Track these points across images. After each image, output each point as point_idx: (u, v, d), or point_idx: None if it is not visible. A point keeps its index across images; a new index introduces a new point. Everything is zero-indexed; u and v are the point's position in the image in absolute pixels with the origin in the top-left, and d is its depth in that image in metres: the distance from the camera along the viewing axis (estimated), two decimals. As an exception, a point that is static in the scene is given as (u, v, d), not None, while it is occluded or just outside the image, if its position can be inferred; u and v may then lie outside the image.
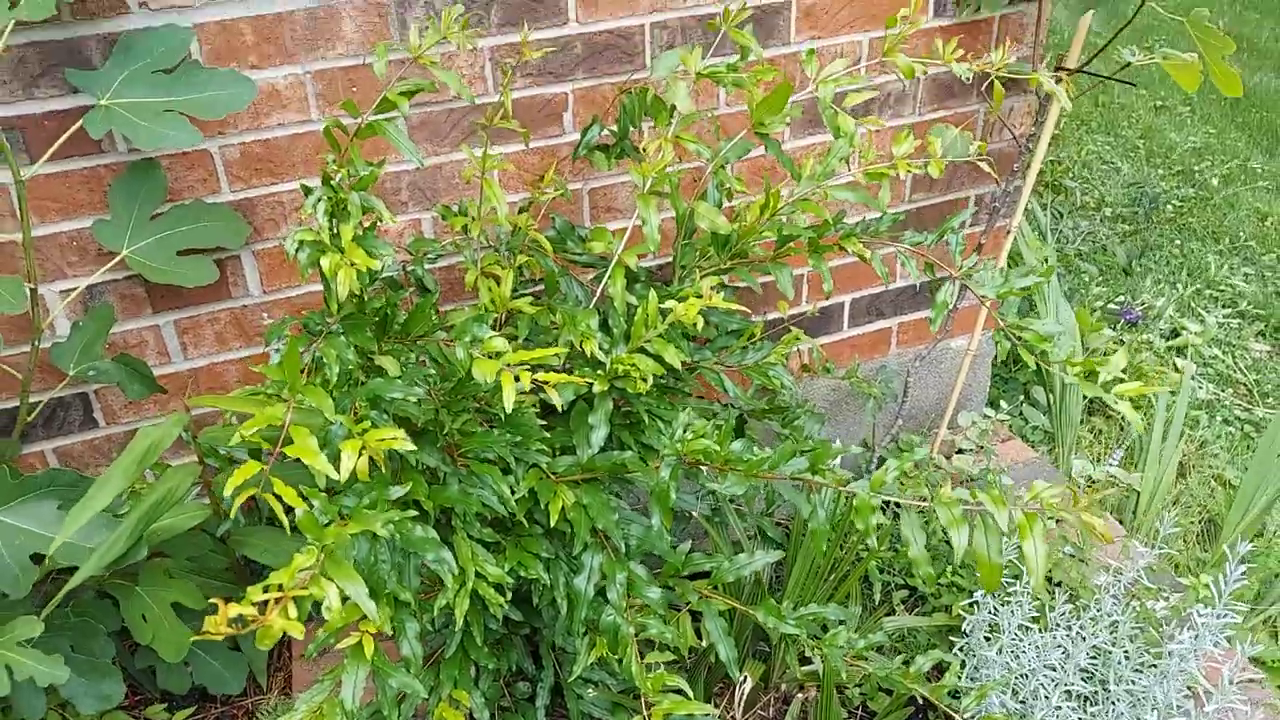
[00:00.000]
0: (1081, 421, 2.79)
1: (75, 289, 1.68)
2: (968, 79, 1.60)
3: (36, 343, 1.59)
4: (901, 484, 1.19)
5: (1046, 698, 1.63)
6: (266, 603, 0.98)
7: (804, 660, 1.99)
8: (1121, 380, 1.45)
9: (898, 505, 1.27)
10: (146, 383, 1.71)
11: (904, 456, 1.22)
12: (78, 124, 1.50)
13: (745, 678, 1.80)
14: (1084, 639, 1.71)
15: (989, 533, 1.11)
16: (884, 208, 1.56)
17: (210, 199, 1.71)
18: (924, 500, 1.17)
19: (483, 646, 1.61)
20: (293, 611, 0.97)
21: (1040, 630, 1.72)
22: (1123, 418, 2.82)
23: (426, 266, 1.83)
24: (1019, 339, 1.58)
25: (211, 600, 0.95)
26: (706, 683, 1.90)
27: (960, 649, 1.81)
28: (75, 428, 1.80)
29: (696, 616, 1.65)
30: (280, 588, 1.00)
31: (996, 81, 1.66)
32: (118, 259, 1.62)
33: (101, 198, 1.64)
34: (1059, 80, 2.07)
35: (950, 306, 1.59)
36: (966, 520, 1.12)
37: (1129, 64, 1.96)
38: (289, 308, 1.86)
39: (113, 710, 1.68)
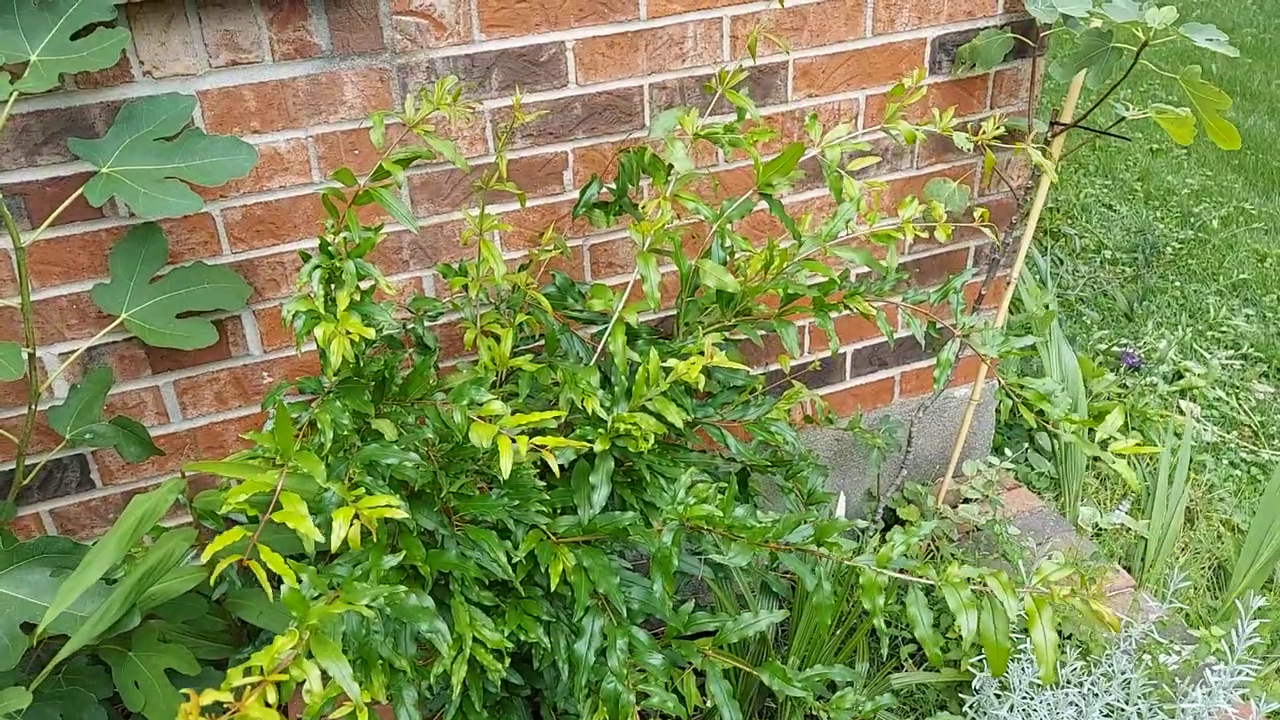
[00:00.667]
0: (1087, 468, 2.77)
1: (74, 352, 1.68)
2: (967, 149, 1.61)
3: (33, 406, 1.58)
4: (906, 554, 1.17)
5: (1058, 759, 1.61)
6: (243, 688, 0.96)
7: (810, 719, 1.96)
8: (1117, 439, 1.44)
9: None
10: (144, 445, 1.70)
11: (910, 530, 1.21)
12: (79, 191, 1.51)
13: (750, 739, 1.78)
14: (1096, 695, 1.68)
15: (997, 617, 1.09)
16: (891, 270, 1.56)
17: (211, 261, 1.71)
18: (930, 580, 1.16)
19: (482, 711, 1.59)
20: (272, 697, 0.95)
21: (1051, 688, 1.69)
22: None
23: (427, 324, 1.83)
24: (1019, 397, 1.57)
25: (183, 690, 0.93)
26: (712, 743, 1.87)
27: (971, 706, 1.78)
28: (72, 489, 1.79)
29: (700, 674, 1.63)
30: (261, 671, 0.98)
31: (988, 150, 1.66)
32: (116, 322, 1.62)
33: (102, 261, 1.65)
34: (1053, 137, 2.08)
35: (953, 363, 1.58)
36: (975, 604, 1.10)
37: (1123, 119, 1.97)
38: (290, 367, 1.86)
39: (103, 781, 1.64)
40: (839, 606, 1.79)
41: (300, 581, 1.07)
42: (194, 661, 1.66)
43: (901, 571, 1.18)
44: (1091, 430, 1.48)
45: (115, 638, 1.58)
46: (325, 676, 1.02)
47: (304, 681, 1.01)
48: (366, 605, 1.09)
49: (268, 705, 0.97)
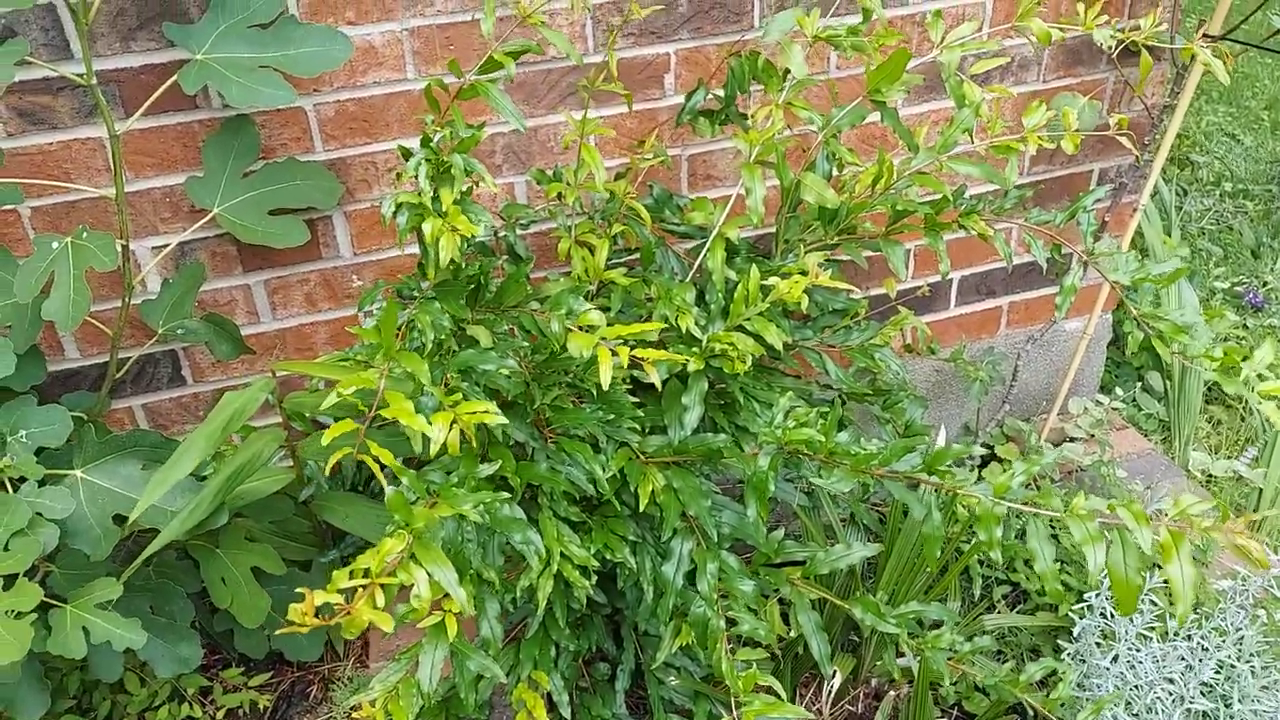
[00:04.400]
0: (1201, 410, 2.62)
1: (167, 245, 1.66)
2: (1110, 48, 1.46)
3: (127, 299, 1.58)
4: (1026, 485, 1.09)
5: (1163, 713, 1.52)
6: (352, 590, 0.93)
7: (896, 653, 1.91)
8: (1268, 377, 1.33)
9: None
10: (235, 344, 1.69)
11: (1030, 460, 1.12)
12: (173, 79, 1.47)
13: (835, 672, 1.73)
14: (1207, 650, 1.59)
15: (1128, 551, 1.01)
16: (1010, 184, 1.45)
17: (303, 157, 1.67)
18: (1054, 512, 1.08)
19: (564, 627, 1.57)
20: (379, 600, 0.93)
21: (1158, 639, 1.61)
22: (1244, 407, 2.64)
23: (519, 232, 1.77)
24: (1154, 330, 1.46)
25: (299, 590, 0.91)
26: (793, 672, 1.83)
27: (1070, 655, 1.70)
28: (164, 384, 1.80)
29: (784, 603, 1.58)
30: (366, 573, 0.95)
31: (1144, 51, 1.51)
32: (209, 216, 1.60)
33: (195, 154, 1.61)
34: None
35: (1077, 291, 1.47)
36: (1103, 537, 1.02)
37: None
38: (379, 270, 1.82)
39: (189, 673, 1.67)
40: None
41: (400, 484, 1.04)
42: (279, 561, 1.67)
43: (1022, 503, 1.09)
44: (1234, 367, 1.37)
45: (204, 534, 1.59)
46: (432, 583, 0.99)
47: (404, 586, 0.99)
48: (471, 509, 1.06)
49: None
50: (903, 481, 1.19)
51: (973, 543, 1.87)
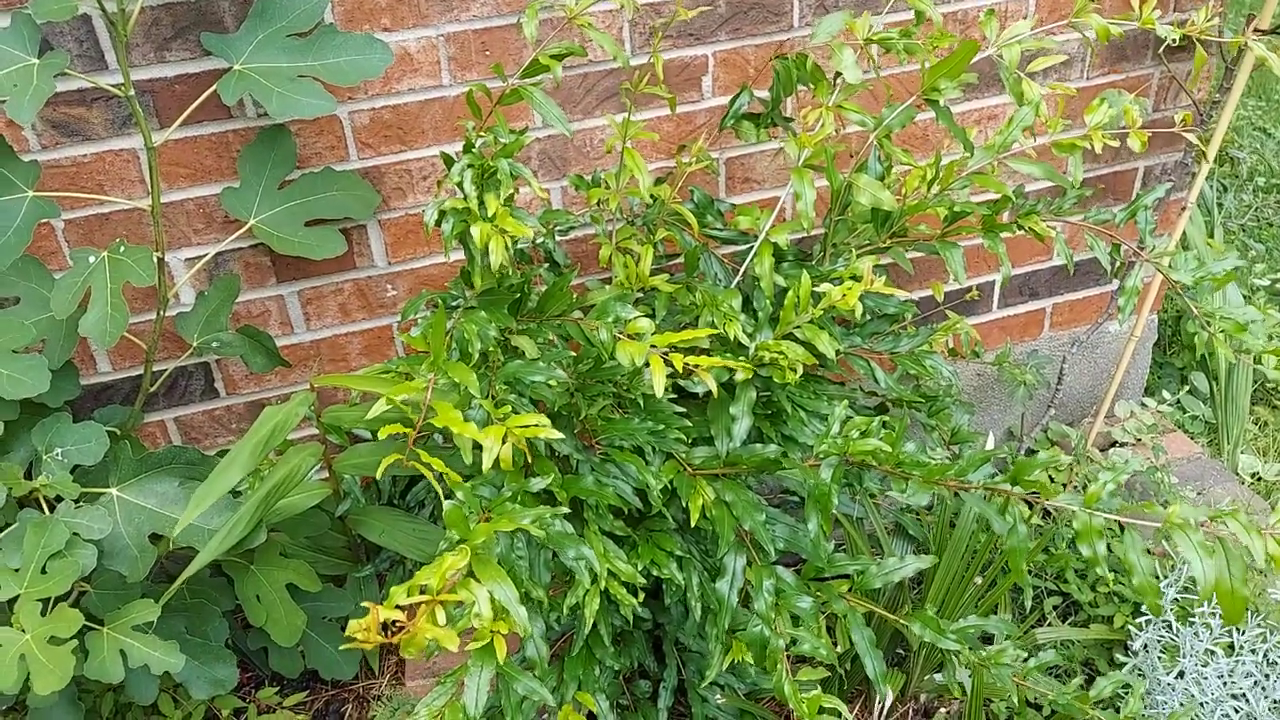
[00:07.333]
0: (1250, 412, 2.56)
1: (202, 257, 1.63)
2: (1175, 40, 1.42)
3: (162, 312, 1.54)
4: (1114, 495, 1.05)
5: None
6: (411, 607, 0.89)
7: (937, 666, 1.85)
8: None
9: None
10: (270, 356, 1.65)
11: (1118, 469, 1.07)
12: (210, 89, 1.44)
13: (888, 691, 1.68)
14: (1272, 663, 1.54)
15: (1232, 562, 0.96)
16: (1076, 184, 1.40)
17: (337, 166, 1.63)
18: (1154, 521, 1.03)
19: (609, 645, 1.52)
20: (441, 617, 0.89)
21: (1225, 655, 1.55)
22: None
23: (557, 239, 1.73)
24: (1216, 329, 1.41)
25: (364, 604, 0.87)
26: (841, 687, 1.78)
27: (1129, 669, 1.65)
28: (196, 398, 1.76)
29: (831, 618, 1.53)
30: (424, 590, 0.91)
31: (1199, 46, 1.47)
32: (245, 228, 1.56)
33: (230, 164, 1.58)
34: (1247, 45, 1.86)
35: (1139, 292, 1.43)
36: (1210, 549, 0.98)
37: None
38: (414, 279, 1.79)
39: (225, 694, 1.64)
40: (985, 549, 1.67)
41: (452, 496, 1.00)
42: (315, 577, 1.64)
43: (1117, 514, 1.04)
44: None
45: (239, 551, 1.56)
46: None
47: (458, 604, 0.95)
48: (533, 525, 1.02)
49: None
50: (979, 493, 1.14)
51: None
